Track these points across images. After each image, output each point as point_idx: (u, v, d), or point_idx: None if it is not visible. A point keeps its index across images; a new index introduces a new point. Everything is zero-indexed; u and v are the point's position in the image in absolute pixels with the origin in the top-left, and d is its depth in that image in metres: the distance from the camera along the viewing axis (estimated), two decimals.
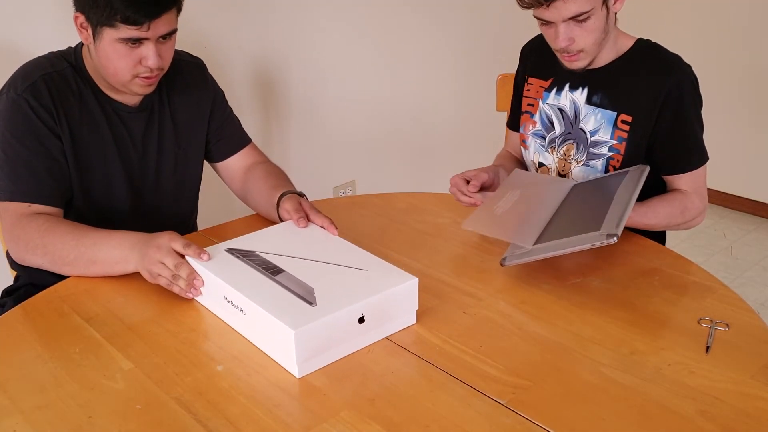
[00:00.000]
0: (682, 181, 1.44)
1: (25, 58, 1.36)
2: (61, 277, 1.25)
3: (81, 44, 1.36)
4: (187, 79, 1.46)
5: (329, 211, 1.53)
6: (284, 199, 1.36)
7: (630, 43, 1.46)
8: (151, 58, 1.26)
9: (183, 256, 1.15)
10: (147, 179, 1.43)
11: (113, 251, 1.20)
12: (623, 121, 1.43)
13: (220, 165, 1.55)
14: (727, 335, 1.04)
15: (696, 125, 1.44)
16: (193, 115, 1.47)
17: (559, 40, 1.35)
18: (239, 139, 1.56)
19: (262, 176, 1.49)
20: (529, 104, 1.59)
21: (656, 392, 0.93)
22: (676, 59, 1.43)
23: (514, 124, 1.69)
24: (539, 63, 1.56)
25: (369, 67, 2.64)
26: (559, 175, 1.55)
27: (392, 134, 2.79)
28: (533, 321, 1.10)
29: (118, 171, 1.39)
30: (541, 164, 1.58)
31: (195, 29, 2.07)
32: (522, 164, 1.69)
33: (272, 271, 1.10)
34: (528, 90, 1.59)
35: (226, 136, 1.53)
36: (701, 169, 1.45)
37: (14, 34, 1.77)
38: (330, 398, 0.94)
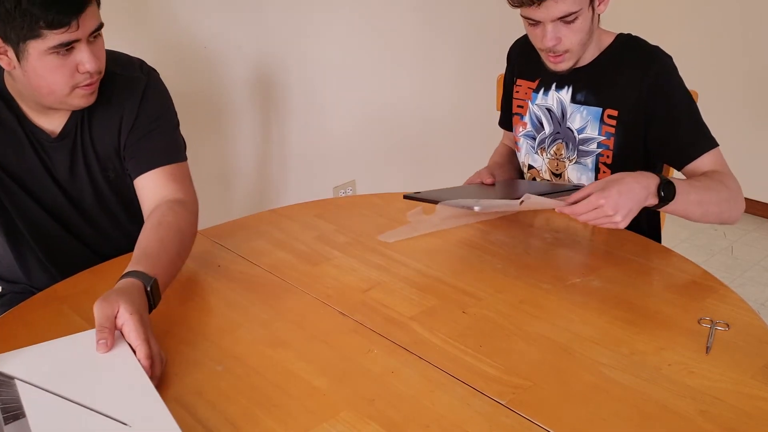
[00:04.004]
0: (705, 162, 1.37)
1: None
2: (54, 281, 1.25)
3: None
4: (113, 96, 1.30)
5: (329, 211, 1.53)
6: (120, 283, 1.06)
7: (610, 39, 1.47)
8: (88, 61, 1.15)
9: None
10: (89, 205, 1.36)
11: None
12: (609, 116, 1.44)
13: (135, 184, 1.33)
14: (727, 335, 1.04)
15: (693, 106, 1.42)
16: (110, 137, 1.32)
17: (547, 39, 1.36)
18: (157, 156, 1.31)
19: (146, 228, 1.20)
20: (519, 106, 1.60)
21: (656, 392, 0.93)
22: (656, 49, 1.43)
23: (504, 123, 1.72)
24: (526, 64, 1.58)
25: (369, 67, 2.64)
26: (553, 174, 1.55)
27: (392, 134, 2.79)
28: (533, 321, 1.10)
29: (58, 197, 1.32)
30: (530, 167, 1.59)
31: (195, 29, 2.07)
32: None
33: (8, 416, 0.88)
34: (517, 92, 1.61)
35: (140, 151, 1.32)
36: (718, 151, 1.38)
37: None
38: (330, 398, 0.94)
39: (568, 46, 1.37)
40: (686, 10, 3.19)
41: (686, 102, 1.41)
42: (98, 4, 1.18)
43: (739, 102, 3.08)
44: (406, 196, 1.39)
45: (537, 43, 1.41)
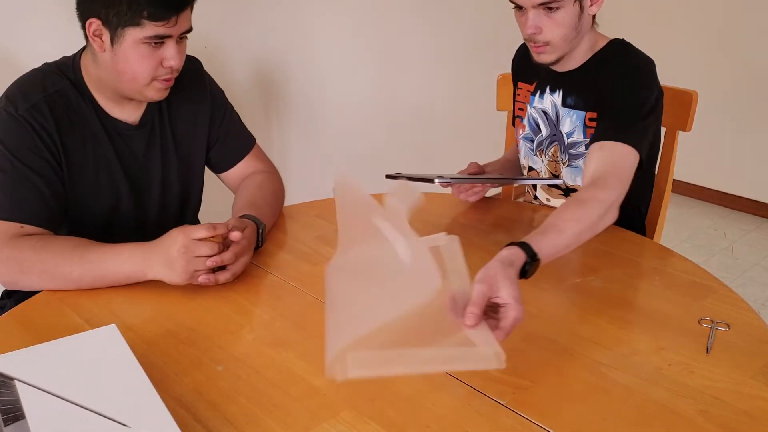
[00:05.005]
0: (611, 150, 1.28)
1: (22, 65, 1.34)
2: None
3: (79, 55, 1.32)
4: (186, 89, 1.42)
5: (329, 211, 1.53)
6: (239, 221, 1.29)
7: (603, 44, 1.45)
8: (174, 57, 1.24)
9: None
10: (152, 195, 1.42)
11: (124, 266, 1.17)
12: (590, 119, 1.44)
13: (223, 175, 1.54)
14: (728, 335, 1.04)
15: (644, 110, 1.35)
16: (192, 126, 1.45)
17: (527, 26, 1.36)
18: (242, 146, 1.53)
19: (247, 186, 1.47)
20: (519, 108, 1.61)
21: (656, 392, 0.93)
22: (639, 53, 1.41)
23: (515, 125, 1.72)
24: (525, 67, 1.59)
25: (369, 67, 2.64)
26: (553, 175, 1.55)
27: (392, 134, 2.79)
28: (533, 321, 1.10)
29: (124, 189, 1.37)
30: (530, 168, 1.60)
31: (195, 29, 2.07)
32: None
33: (8, 417, 0.88)
34: (518, 94, 1.62)
35: (228, 146, 1.51)
36: (632, 155, 1.29)
37: (12, 42, 1.77)
38: (330, 398, 0.94)
39: (549, 38, 1.36)
40: (686, 11, 3.19)
41: (640, 100, 1.35)
42: (191, 9, 1.26)
43: (738, 102, 3.09)
44: (388, 176, 1.43)
45: (522, 31, 1.41)
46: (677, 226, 3.05)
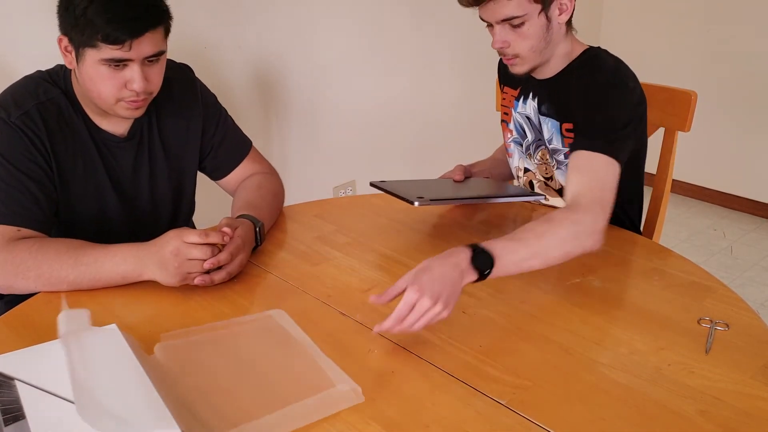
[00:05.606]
0: (583, 162, 1.26)
1: (16, 72, 1.33)
2: None
3: None
4: (176, 100, 1.40)
5: (329, 211, 1.54)
6: (231, 219, 1.30)
7: (580, 51, 1.43)
8: (137, 81, 1.20)
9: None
10: (142, 204, 1.41)
11: (119, 266, 1.17)
12: (567, 129, 1.43)
13: (221, 181, 1.54)
14: (727, 335, 1.04)
15: (617, 123, 1.31)
16: (184, 137, 1.43)
17: (493, 41, 1.36)
18: (238, 152, 1.52)
19: (245, 187, 1.47)
20: (504, 113, 1.61)
21: (656, 392, 0.93)
22: (610, 64, 1.38)
23: None
24: (509, 72, 1.57)
25: (369, 67, 2.64)
26: (544, 177, 1.55)
27: (392, 134, 2.79)
28: (533, 321, 1.10)
29: (112, 199, 1.37)
30: (526, 170, 1.59)
31: (195, 29, 2.07)
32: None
33: (8, 417, 0.88)
34: (503, 99, 1.61)
35: (223, 153, 1.50)
36: (608, 164, 1.26)
37: (5, 48, 1.77)
38: None
39: (517, 51, 1.36)
40: (687, 11, 3.20)
41: (614, 113, 1.32)
42: (166, 32, 1.24)
43: (738, 102, 3.09)
44: (372, 184, 1.44)
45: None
46: (676, 226, 3.05)
